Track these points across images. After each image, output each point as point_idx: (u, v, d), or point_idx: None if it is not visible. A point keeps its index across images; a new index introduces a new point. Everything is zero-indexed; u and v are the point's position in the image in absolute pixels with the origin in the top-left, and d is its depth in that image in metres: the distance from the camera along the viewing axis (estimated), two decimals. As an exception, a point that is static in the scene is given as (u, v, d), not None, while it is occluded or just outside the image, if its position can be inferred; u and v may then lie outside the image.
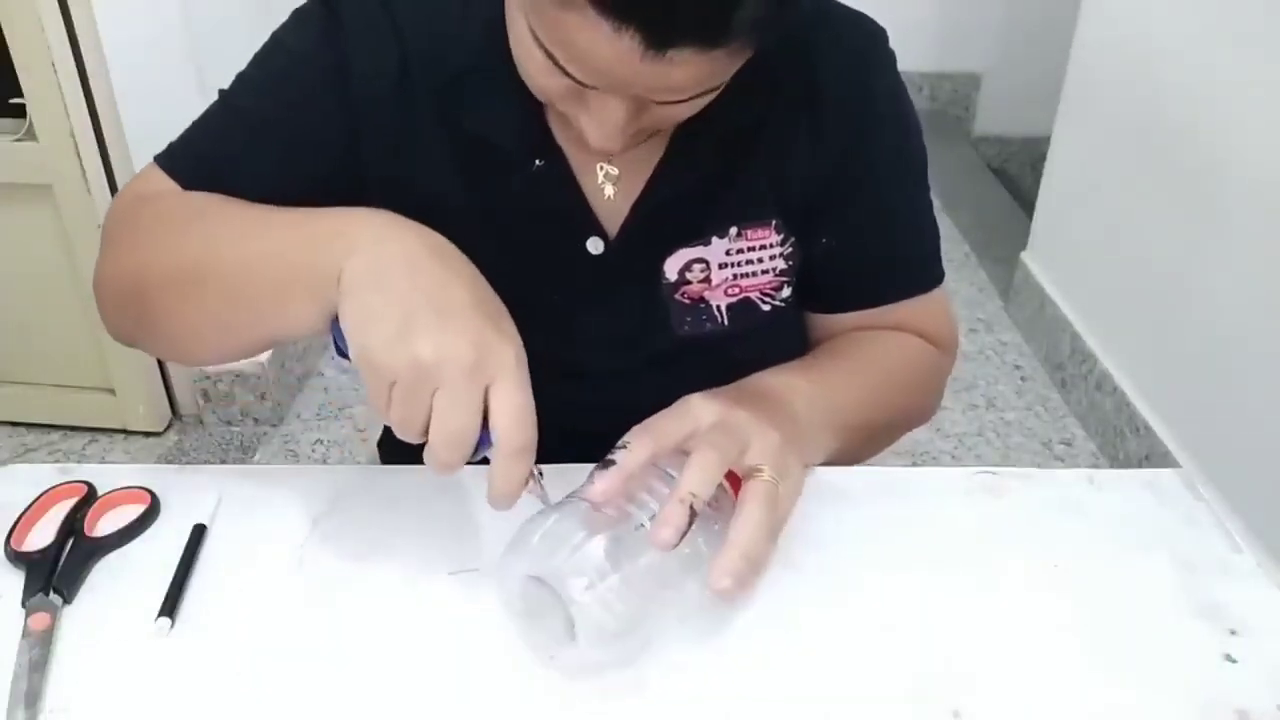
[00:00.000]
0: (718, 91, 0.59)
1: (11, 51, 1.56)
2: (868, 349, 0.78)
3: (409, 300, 0.52)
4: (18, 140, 1.65)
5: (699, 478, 0.55)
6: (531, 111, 0.68)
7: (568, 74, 0.56)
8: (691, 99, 0.57)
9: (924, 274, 0.81)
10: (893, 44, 0.75)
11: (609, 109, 0.58)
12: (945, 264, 0.82)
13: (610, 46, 0.51)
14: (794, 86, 0.71)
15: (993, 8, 3.10)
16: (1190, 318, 1.71)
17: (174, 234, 0.65)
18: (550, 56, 0.56)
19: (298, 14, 0.71)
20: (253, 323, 0.61)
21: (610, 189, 0.71)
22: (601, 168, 0.71)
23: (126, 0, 1.59)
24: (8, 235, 1.77)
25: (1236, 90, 1.59)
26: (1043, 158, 2.27)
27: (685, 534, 0.53)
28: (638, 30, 0.50)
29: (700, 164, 0.71)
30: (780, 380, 0.69)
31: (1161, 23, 1.79)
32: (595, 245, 0.72)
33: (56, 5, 1.54)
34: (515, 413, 0.53)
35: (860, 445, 0.75)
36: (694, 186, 0.71)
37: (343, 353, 0.56)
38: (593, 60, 0.53)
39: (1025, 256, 2.34)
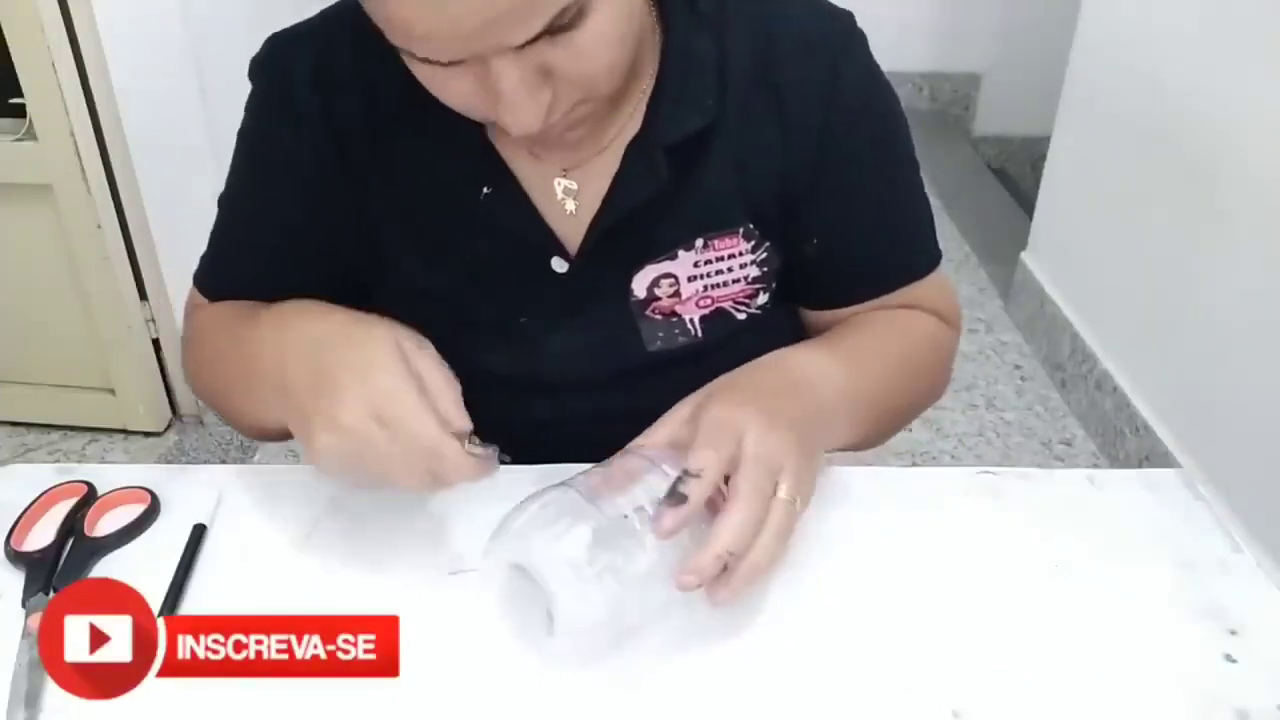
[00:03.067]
0: (606, 25, 0.56)
1: (11, 51, 1.56)
2: (890, 332, 0.76)
3: (302, 413, 0.59)
4: (18, 140, 1.65)
5: (739, 535, 0.54)
6: (473, 141, 0.67)
7: (429, 61, 0.55)
8: (566, 31, 0.54)
9: (922, 257, 0.78)
10: (892, 44, 0.73)
11: (503, 78, 0.55)
12: (945, 264, 0.80)
13: None
14: (752, 88, 0.68)
15: (992, 8, 3.10)
16: (1190, 318, 1.71)
17: (198, 354, 0.77)
18: (412, 55, 0.55)
19: (248, 103, 0.73)
20: (275, 424, 0.65)
21: (571, 204, 0.70)
22: (559, 183, 0.70)
23: (126, 0, 1.59)
24: (8, 235, 1.77)
25: (1236, 90, 1.59)
26: (1043, 158, 2.27)
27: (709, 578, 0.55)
28: None
29: (655, 174, 0.67)
30: (814, 365, 0.68)
31: (1161, 23, 1.79)
32: (559, 264, 0.71)
33: (56, 5, 1.54)
34: (434, 372, 0.58)
35: (881, 428, 0.74)
36: (652, 198, 0.68)
37: None
38: (415, 26, 0.52)
39: (1025, 256, 2.34)
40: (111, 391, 1.91)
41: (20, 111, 1.62)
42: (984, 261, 2.61)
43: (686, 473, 0.55)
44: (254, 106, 0.73)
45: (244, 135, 0.74)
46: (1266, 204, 1.51)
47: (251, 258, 0.76)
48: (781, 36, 0.68)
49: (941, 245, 0.80)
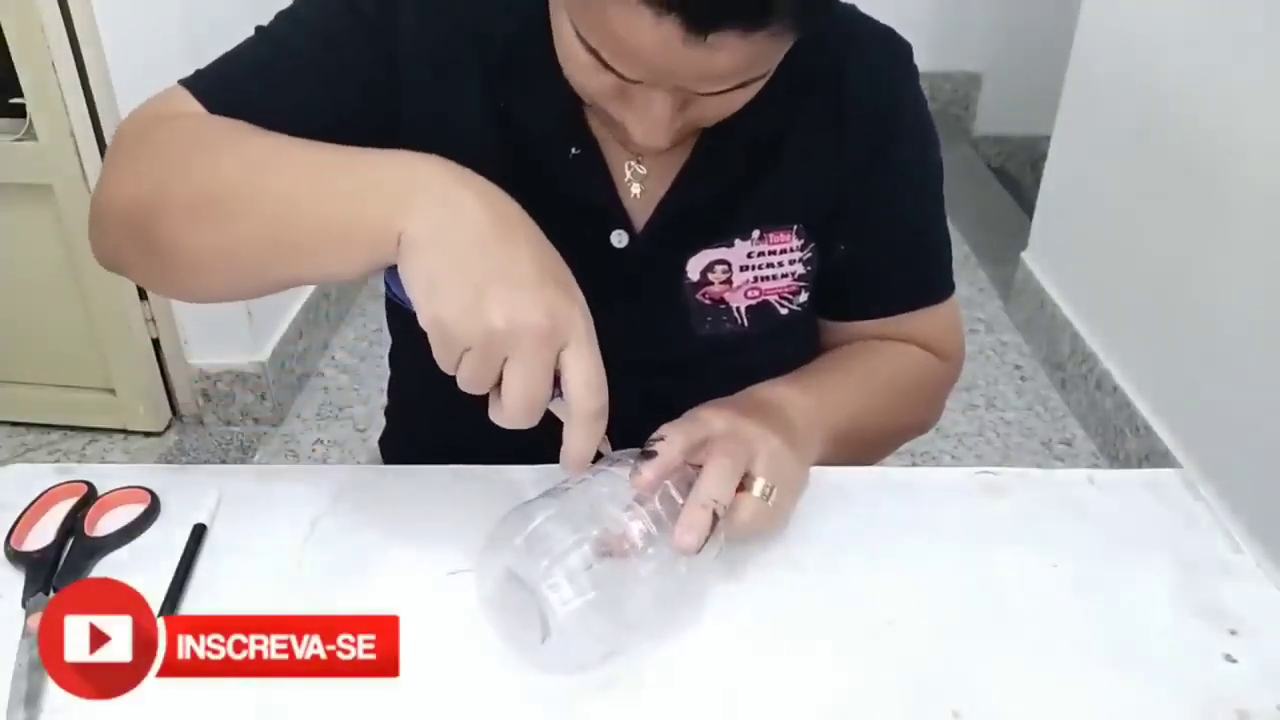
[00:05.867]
0: (759, 83, 0.59)
1: (11, 51, 1.56)
2: (865, 360, 0.79)
3: (478, 268, 0.52)
4: (18, 140, 1.65)
5: (717, 483, 0.57)
6: (571, 99, 0.68)
7: (612, 70, 0.56)
8: (734, 89, 0.57)
9: (935, 286, 0.82)
10: (893, 43, 0.75)
11: (654, 104, 0.58)
12: (953, 275, 0.83)
13: (652, 34, 0.51)
14: (821, 97, 0.72)
15: (992, 8, 3.10)
16: (1190, 318, 1.71)
17: (205, 157, 0.61)
18: (594, 54, 0.56)
19: None
20: (285, 263, 0.59)
21: (637, 188, 0.72)
22: (629, 166, 0.72)
23: (126, 0, 1.59)
24: (8, 235, 1.76)
25: (1236, 90, 1.59)
26: (1043, 158, 2.27)
27: (708, 538, 0.55)
28: (679, 15, 0.50)
29: (725, 169, 0.71)
30: (775, 393, 0.70)
31: (1161, 23, 1.79)
32: (619, 239, 0.72)
33: (56, 5, 1.54)
34: (588, 378, 0.54)
35: (855, 454, 0.75)
36: (719, 190, 0.72)
37: (397, 296, 0.57)
38: (635, 51, 0.53)
39: (1025, 256, 2.34)
40: (111, 391, 1.91)
41: (20, 111, 1.62)
42: (984, 261, 2.61)
43: (653, 439, 0.58)
44: None
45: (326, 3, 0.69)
46: (1266, 203, 1.51)
47: (291, 93, 0.67)
48: (850, 52, 0.72)
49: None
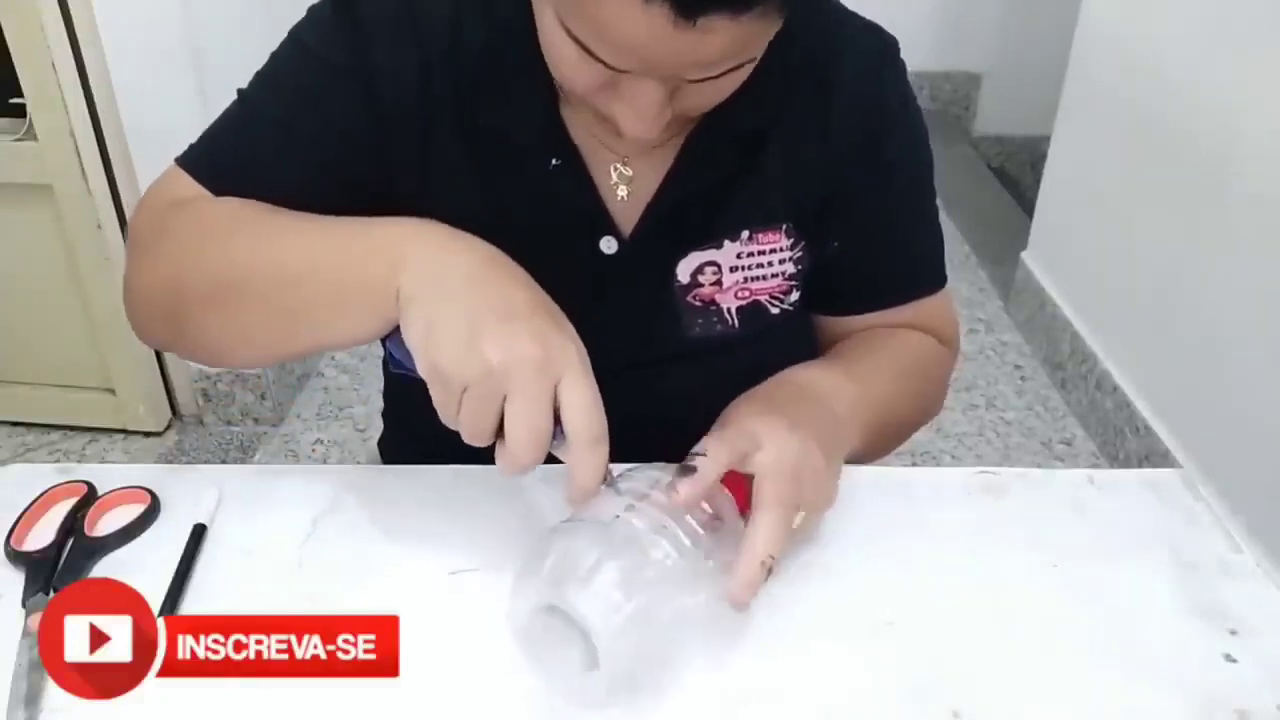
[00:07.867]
0: (747, 69, 0.59)
1: (11, 51, 1.56)
2: (891, 347, 0.79)
3: (472, 310, 0.54)
4: (18, 140, 1.65)
5: (774, 538, 0.56)
6: (548, 109, 0.68)
7: (600, 60, 0.56)
8: (723, 75, 0.57)
9: (929, 277, 0.82)
10: (892, 44, 0.75)
11: (643, 94, 0.58)
12: (945, 264, 0.83)
13: (641, 21, 0.51)
14: (806, 92, 0.71)
15: (993, 8, 3.09)
16: (1190, 318, 1.71)
17: (216, 243, 0.65)
18: (582, 46, 0.56)
19: (313, 12, 0.70)
20: (302, 334, 0.63)
21: (624, 190, 0.72)
22: (615, 169, 0.71)
23: (126, 0, 1.59)
24: (8, 235, 1.76)
25: (1236, 90, 1.59)
26: (1043, 158, 2.27)
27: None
28: (667, 1, 0.50)
29: (713, 167, 0.71)
30: (820, 378, 0.69)
31: (1161, 23, 1.79)
32: (608, 245, 0.72)
33: (56, 5, 1.54)
34: (586, 405, 0.54)
35: (878, 444, 0.75)
36: (706, 189, 0.72)
37: (399, 363, 0.58)
38: (624, 39, 0.53)
39: (1025, 256, 2.34)
40: (111, 391, 1.91)
41: (20, 111, 1.62)
42: (984, 261, 2.61)
43: (693, 453, 0.57)
44: (321, 31, 0.69)
45: (298, 42, 0.70)
46: (1267, 204, 1.51)
47: (283, 163, 0.69)
48: (838, 49, 0.72)
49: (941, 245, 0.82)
